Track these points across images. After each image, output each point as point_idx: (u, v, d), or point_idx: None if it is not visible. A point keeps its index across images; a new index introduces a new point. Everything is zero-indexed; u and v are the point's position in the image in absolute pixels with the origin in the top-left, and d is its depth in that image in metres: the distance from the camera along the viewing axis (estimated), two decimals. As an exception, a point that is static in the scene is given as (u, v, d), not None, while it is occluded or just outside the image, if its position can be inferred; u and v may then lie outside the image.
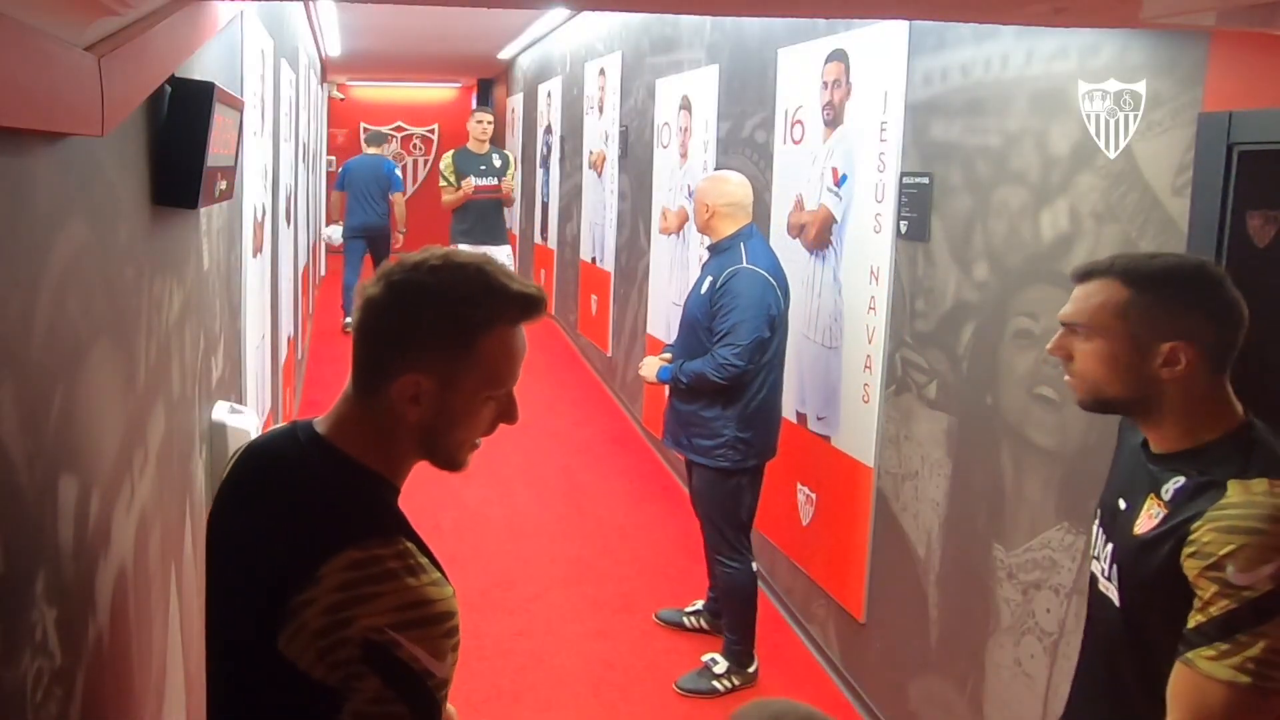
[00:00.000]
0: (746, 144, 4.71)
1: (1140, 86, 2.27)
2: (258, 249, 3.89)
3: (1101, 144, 2.37)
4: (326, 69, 12.61)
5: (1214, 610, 1.39)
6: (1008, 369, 2.71)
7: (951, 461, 2.99)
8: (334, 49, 10.74)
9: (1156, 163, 2.23)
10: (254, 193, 3.76)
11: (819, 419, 3.86)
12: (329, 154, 14.32)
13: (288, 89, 5.77)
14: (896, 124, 3.26)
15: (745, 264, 3.47)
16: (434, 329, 1.24)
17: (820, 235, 3.84)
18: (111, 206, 1.63)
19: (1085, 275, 1.61)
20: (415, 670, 1.18)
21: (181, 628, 2.21)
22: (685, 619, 4.02)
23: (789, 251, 4.02)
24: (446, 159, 7.42)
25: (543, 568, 4.59)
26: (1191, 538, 1.43)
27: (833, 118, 3.75)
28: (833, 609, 3.75)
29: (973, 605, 2.85)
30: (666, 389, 3.73)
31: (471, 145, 7.43)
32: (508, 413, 1.31)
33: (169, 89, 1.97)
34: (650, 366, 3.71)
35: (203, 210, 2.48)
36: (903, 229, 3.22)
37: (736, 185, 3.61)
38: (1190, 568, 1.42)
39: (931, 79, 3.08)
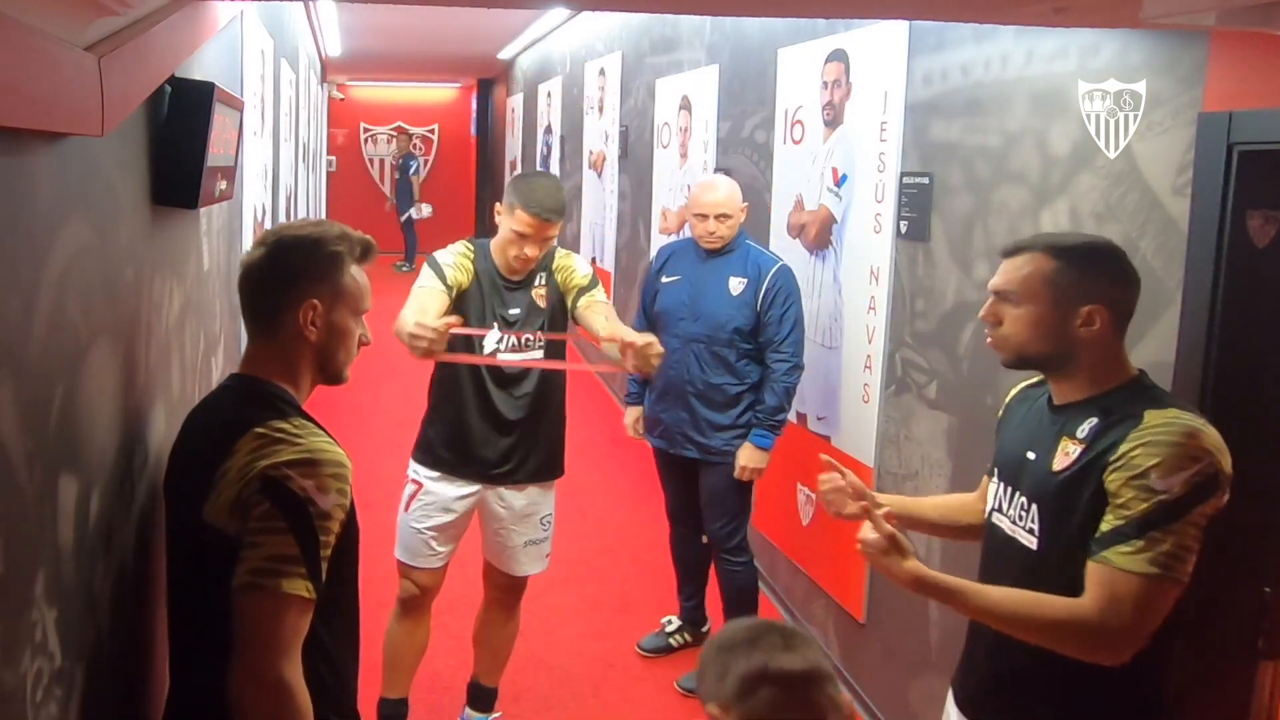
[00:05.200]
0: (746, 144, 4.70)
1: (1140, 86, 2.27)
2: (258, 249, 3.89)
3: (1101, 144, 2.37)
4: (326, 69, 12.61)
5: (1131, 512, 1.58)
6: (1008, 369, 2.71)
7: (951, 461, 2.99)
8: (334, 49, 10.74)
9: (1156, 163, 2.23)
10: (254, 193, 3.76)
11: (819, 419, 3.86)
12: (329, 154, 14.34)
13: (288, 89, 5.77)
14: (896, 124, 3.26)
15: (779, 261, 3.57)
16: (315, 264, 1.66)
17: (820, 235, 3.84)
18: (111, 206, 1.63)
19: (1013, 251, 1.79)
20: (300, 497, 1.48)
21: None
22: (670, 640, 3.91)
23: (789, 252, 4.01)
24: (453, 259, 2.93)
25: (543, 568, 4.58)
26: (1116, 457, 1.62)
27: (833, 118, 3.75)
28: (832, 609, 3.75)
29: (973, 605, 2.84)
30: (644, 398, 3.78)
31: (500, 260, 2.94)
32: (364, 335, 1.74)
33: (169, 89, 1.97)
34: (748, 458, 3.50)
35: (203, 210, 2.48)
36: (903, 229, 3.21)
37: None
38: (1114, 480, 1.61)
39: (931, 79, 3.08)
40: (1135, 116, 2.28)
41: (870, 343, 3.45)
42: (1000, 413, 2.02)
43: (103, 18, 1.39)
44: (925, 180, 3.09)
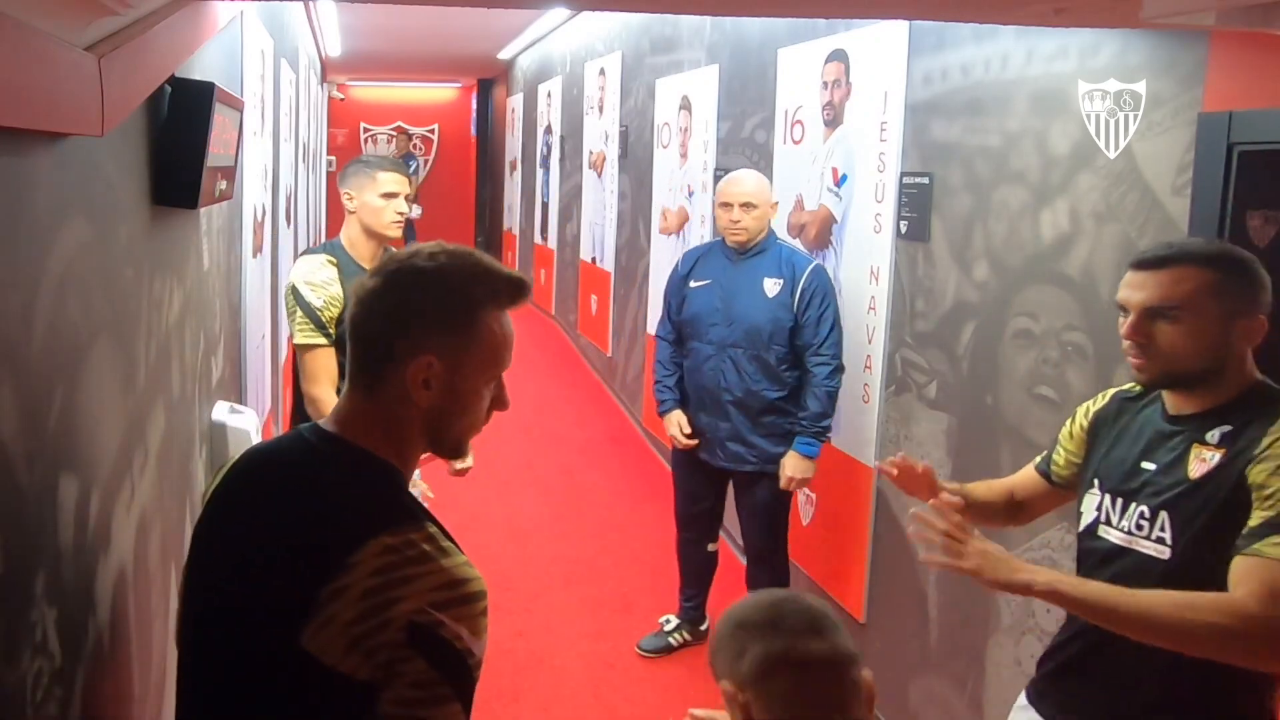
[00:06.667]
0: (746, 144, 4.70)
1: (1140, 86, 2.27)
2: (258, 249, 3.89)
3: (1101, 144, 2.37)
4: (326, 69, 12.61)
5: None
6: (1008, 369, 2.71)
7: (951, 461, 2.98)
8: (334, 49, 10.74)
9: (1156, 163, 2.23)
10: (254, 193, 3.76)
11: (819, 419, 3.86)
12: (329, 154, 14.35)
13: (288, 89, 5.77)
14: (896, 124, 3.26)
15: (814, 260, 3.49)
16: (438, 309, 1.28)
17: (820, 235, 3.84)
18: (111, 206, 1.63)
19: (1156, 263, 1.69)
20: (458, 649, 1.20)
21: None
22: (670, 640, 3.89)
23: (789, 251, 4.01)
24: (321, 299, 2.87)
25: (543, 568, 4.58)
26: (1259, 451, 1.58)
27: (833, 118, 3.75)
28: (832, 609, 3.75)
29: (973, 605, 2.84)
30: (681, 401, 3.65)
31: (363, 250, 3.00)
32: (500, 398, 1.35)
33: (169, 89, 1.97)
34: (795, 468, 3.40)
35: (203, 210, 2.48)
36: (903, 229, 3.22)
37: None
38: (1260, 472, 1.56)
39: (931, 79, 3.08)
40: (1135, 116, 2.28)
41: (870, 343, 3.45)
42: (1084, 422, 1.92)
43: (103, 18, 1.39)
44: (925, 180, 3.09)
